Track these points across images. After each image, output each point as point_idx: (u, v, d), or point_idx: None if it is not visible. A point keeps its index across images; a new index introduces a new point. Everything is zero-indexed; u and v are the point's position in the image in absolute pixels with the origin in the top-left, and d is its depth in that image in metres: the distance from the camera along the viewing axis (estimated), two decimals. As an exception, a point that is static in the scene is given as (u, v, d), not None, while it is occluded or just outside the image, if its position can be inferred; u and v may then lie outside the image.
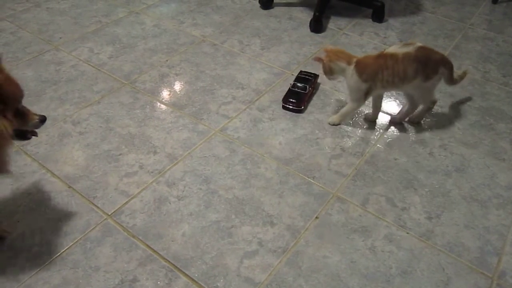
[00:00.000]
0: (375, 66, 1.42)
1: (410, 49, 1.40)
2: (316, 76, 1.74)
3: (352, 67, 1.45)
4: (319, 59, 1.49)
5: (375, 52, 1.94)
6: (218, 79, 1.79)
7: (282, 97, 1.67)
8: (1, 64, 1.03)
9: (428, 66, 1.40)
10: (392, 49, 1.43)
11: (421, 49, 1.40)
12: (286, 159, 1.45)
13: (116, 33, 2.06)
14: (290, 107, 1.64)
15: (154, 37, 2.04)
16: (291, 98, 1.65)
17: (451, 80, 1.49)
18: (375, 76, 1.43)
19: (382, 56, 1.43)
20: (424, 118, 1.60)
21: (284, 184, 1.37)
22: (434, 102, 1.53)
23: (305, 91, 1.67)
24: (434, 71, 1.41)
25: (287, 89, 1.70)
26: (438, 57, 1.43)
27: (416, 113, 1.57)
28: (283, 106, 1.65)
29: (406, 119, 1.60)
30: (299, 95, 1.66)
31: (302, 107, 1.64)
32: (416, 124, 1.58)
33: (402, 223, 1.27)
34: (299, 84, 1.69)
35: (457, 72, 1.52)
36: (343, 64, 1.46)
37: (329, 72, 1.50)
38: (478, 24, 2.20)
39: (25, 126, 1.08)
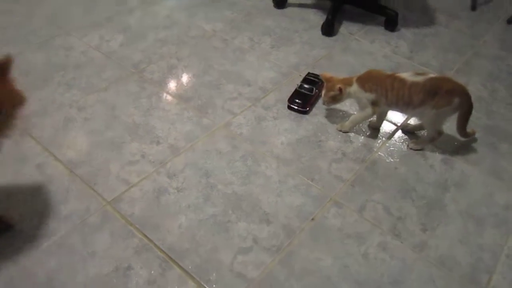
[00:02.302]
0: (379, 80, 1.45)
1: (420, 78, 1.40)
2: (323, 79, 1.75)
3: (354, 85, 1.49)
4: (340, 90, 1.49)
5: (384, 60, 1.97)
6: (225, 74, 1.80)
7: (288, 97, 1.68)
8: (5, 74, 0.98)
9: (438, 95, 1.38)
10: (403, 75, 1.43)
11: (432, 80, 1.39)
12: (287, 159, 1.46)
13: (128, 21, 2.07)
14: (295, 107, 1.65)
15: (165, 28, 2.05)
16: (297, 99, 1.66)
17: (463, 124, 1.48)
18: (378, 89, 1.45)
19: (391, 76, 1.45)
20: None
21: (283, 184, 1.38)
22: (440, 134, 1.50)
23: (312, 93, 1.67)
24: (447, 101, 1.38)
25: (293, 90, 1.71)
26: (452, 87, 1.39)
27: (419, 139, 1.56)
28: (288, 106, 1.66)
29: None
30: (305, 97, 1.66)
31: (307, 109, 1.65)
32: (417, 150, 1.54)
33: (397, 232, 1.27)
34: (306, 86, 1.70)
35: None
36: (348, 89, 1.50)
37: (340, 100, 1.54)
38: (491, 43, 2.19)
39: None
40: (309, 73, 1.78)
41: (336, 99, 1.53)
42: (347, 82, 1.51)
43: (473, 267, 1.21)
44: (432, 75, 1.41)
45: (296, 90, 1.70)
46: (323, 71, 1.64)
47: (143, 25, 2.06)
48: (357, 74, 1.52)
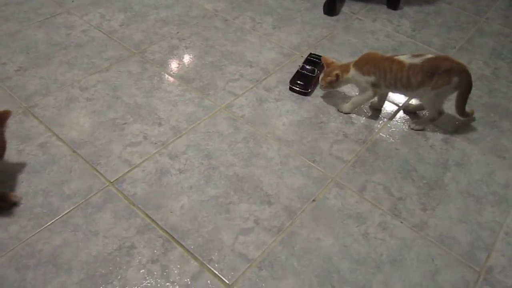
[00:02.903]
0: (377, 62, 1.45)
1: (417, 60, 1.39)
2: (325, 59, 1.74)
3: (351, 71, 1.49)
4: (337, 76, 1.50)
5: (386, 39, 1.95)
6: (227, 55, 1.79)
7: (290, 78, 1.68)
8: None
9: (436, 75, 1.38)
10: (402, 57, 1.43)
11: (430, 60, 1.39)
12: (288, 141, 1.46)
13: (128, 0, 2.05)
14: (297, 89, 1.64)
15: (167, 7, 2.03)
16: (298, 80, 1.65)
17: (462, 104, 1.47)
18: (376, 71, 1.44)
19: (389, 59, 1.44)
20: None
21: (285, 165, 1.39)
22: (441, 113, 1.50)
23: (313, 74, 1.67)
24: (446, 81, 1.38)
25: (295, 71, 1.70)
26: (450, 66, 1.38)
27: (420, 119, 1.57)
28: (290, 87, 1.66)
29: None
30: (306, 78, 1.66)
31: (309, 90, 1.64)
32: (418, 130, 1.54)
33: (397, 213, 1.29)
34: (307, 67, 1.69)
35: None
36: (345, 76, 1.51)
37: (336, 86, 1.55)
38: (494, 19, 2.17)
39: None
40: (310, 53, 1.77)
41: (332, 84, 1.54)
42: (345, 69, 1.51)
43: (472, 245, 1.22)
44: (430, 56, 1.40)
45: (297, 71, 1.69)
46: (325, 54, 1.64)
47: (143, 4, 2.04)
48: (350, 62, 1.52)
